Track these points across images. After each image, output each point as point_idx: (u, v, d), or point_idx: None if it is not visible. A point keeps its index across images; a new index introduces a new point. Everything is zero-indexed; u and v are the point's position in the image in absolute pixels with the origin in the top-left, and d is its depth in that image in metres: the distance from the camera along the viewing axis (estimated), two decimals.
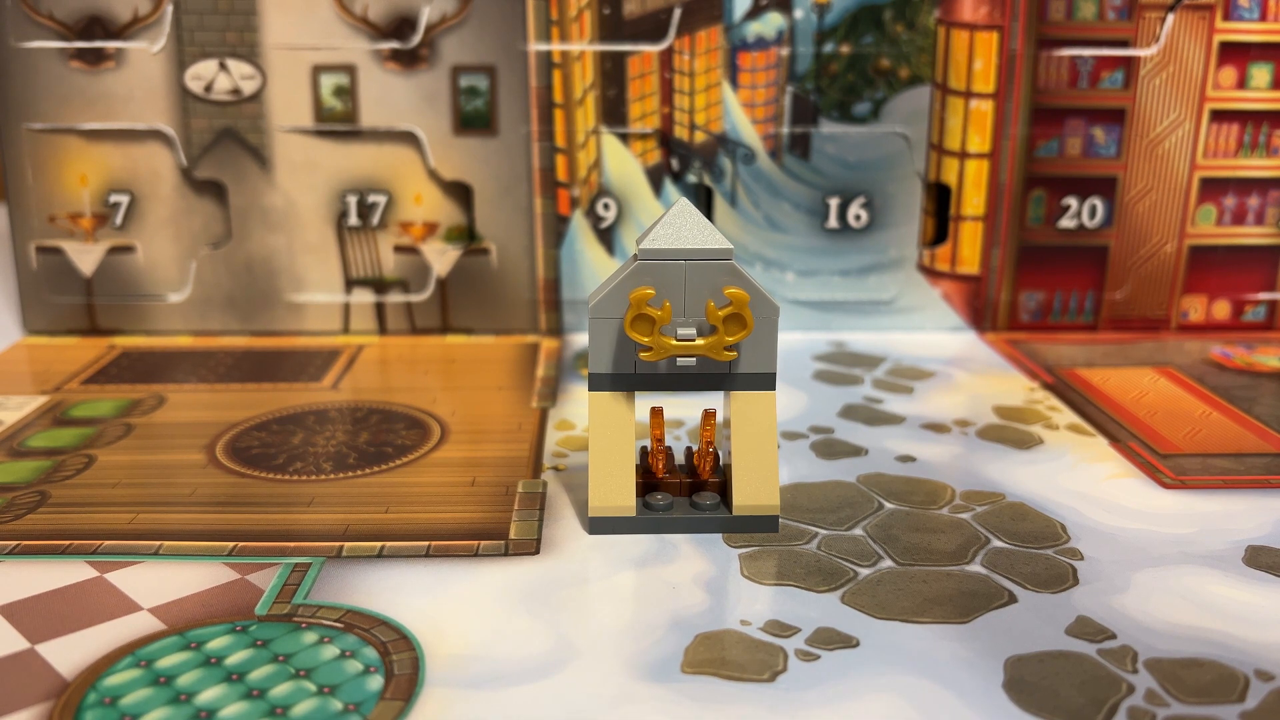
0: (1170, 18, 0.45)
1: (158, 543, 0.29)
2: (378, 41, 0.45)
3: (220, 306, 0.47)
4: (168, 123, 0.45)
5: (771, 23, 0.45)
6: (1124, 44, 0.45)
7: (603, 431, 0.30)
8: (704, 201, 0.47)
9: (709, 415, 0.31)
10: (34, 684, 0.23)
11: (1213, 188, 0.47)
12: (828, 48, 0.45)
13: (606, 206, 0.47)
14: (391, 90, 0.45)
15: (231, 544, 0.29)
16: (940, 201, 0.48)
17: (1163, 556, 0.29)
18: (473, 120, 0.46)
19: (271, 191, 0.46)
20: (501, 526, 0.30)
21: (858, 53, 0.45)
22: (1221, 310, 0.48)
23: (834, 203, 0.47)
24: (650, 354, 0.29)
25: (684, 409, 0.38)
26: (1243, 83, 0.46)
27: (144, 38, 0.44)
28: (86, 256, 0.46)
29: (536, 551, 0.29)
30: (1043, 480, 0.34)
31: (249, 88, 0.45)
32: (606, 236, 0.47)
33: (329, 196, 0.46)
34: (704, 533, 0.30)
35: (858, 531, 0.30)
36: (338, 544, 0.29)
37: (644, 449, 0.32)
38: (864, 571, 0.28)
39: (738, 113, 0.46)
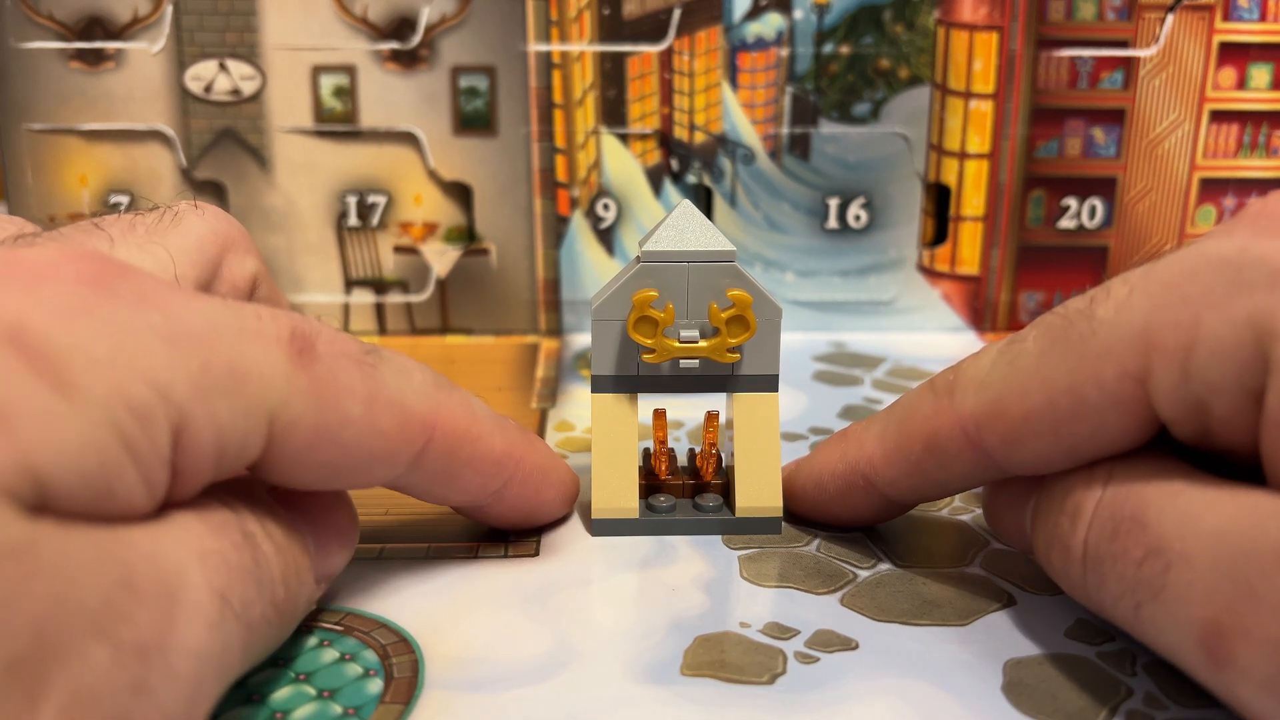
0: (1170, 18, 0.45)
1: None
2: (378, 42, 0.45)
3: None
4: (168, 123, 0.45)
5: (771, 23, 0.45)
6: (1124, 44, 0.45)
7: (606, 433, 0.30)
8: (704, 202, 0.47)
9: (711, 417, 0.31)
10: None
11: (1212, 188, 0.47)
12: (827, 48, 0.45)
13: (606, 207, 0.47)
14: (391, 91, 0.45)
15: None
16: (940, 202, 0.48)
17: None
18: (473, 121, 0.46)
19: (271, 192, 0.46)
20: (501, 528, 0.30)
21: (857, 53, 0.45)
22: None
23: (834, 203, 0.47)
24: (653, 356, 0.29)
25: (686, 410, 0.38)
26: (1243, 83, 0.46)
27: (144, 38, 0.44)
28: None
29: (536, 553, 0.29)
30: None
31: (249, 88, 0.45)
32: (606, 237, 0.47)
33: (329, 197, 0.46)
34: (707, 534, 0.30)
35: (857, 534, 0.30)
36: None
37: (646, 451, 0.32)
38: (863, 574, 0.28)
39: (737, 113, 0.46)
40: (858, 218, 0.47)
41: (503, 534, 0.30)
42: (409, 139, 0.46)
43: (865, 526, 0.30)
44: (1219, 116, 0.46)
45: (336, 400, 0.22)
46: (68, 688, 0.16)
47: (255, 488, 0.23)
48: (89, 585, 0.17)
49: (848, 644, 0.25)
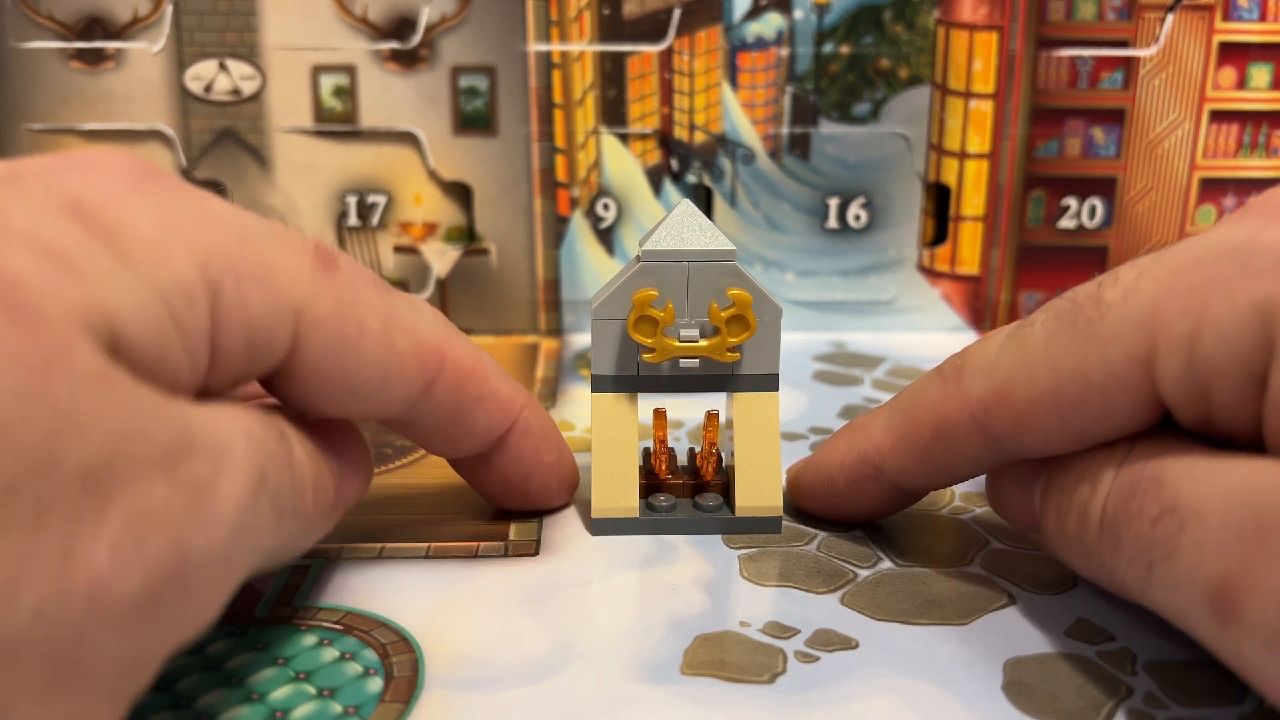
0: (1170, 18, 0.45)
1: None
2: (378, 42, 0.45)
3: None
4: (168, 123, 0.45)
5: (771, 23, 0.45)
6: (1124, 44, 0.45)
7: (606, 433, 0.30)
8: (703, 202, 0.47)
9: (711, 416, 0.31)
10: None
11: (1212, 188, 0.47)
12: (827, 48, 0.45)
13: (606, 207, 0.47)
14: (391, 91, 0.45)
15: None
16: (940, 202, 0.48)
17: None
18: (473, 121, 0.46)
19: (271, 192, 0.46)
20: (501, 528, 0.30)
21: (857, 53, 0.45)
22: None
23: (834, 203, 0.47)
24: (653, 355, 0.29)
25: (686, 410, 0.38)
26: (1242, 83, 0.46)
27: (144, 38, 0.44)
28: None
29: (536, 553, 0.29)
30: None
31: (249, 88, 0.45)
32: (606, 237, 0.47)
33: (329, 197, 0.46)
34: (707, 534, 0.30)
35: (857, 533, 0.30)
36: (337, 545, 0.29)
37: (646, 450, 0.32)
38: (863, 573, 0.28)
39: (737, 113, 0.46)
40: (858, 218, 0.47)
41: (503, 534, 0.30)
42: (409, 139, 0.46)
43: (875, 519, 0.30)
44: (1219, 116, 0.46)
45: (356, 310, 0.23)
46: (131, 505, 0.17)
47: (288, 410, 0.24)
48: (155, 426, 0.17)
49: (848, 643, 0.25)
